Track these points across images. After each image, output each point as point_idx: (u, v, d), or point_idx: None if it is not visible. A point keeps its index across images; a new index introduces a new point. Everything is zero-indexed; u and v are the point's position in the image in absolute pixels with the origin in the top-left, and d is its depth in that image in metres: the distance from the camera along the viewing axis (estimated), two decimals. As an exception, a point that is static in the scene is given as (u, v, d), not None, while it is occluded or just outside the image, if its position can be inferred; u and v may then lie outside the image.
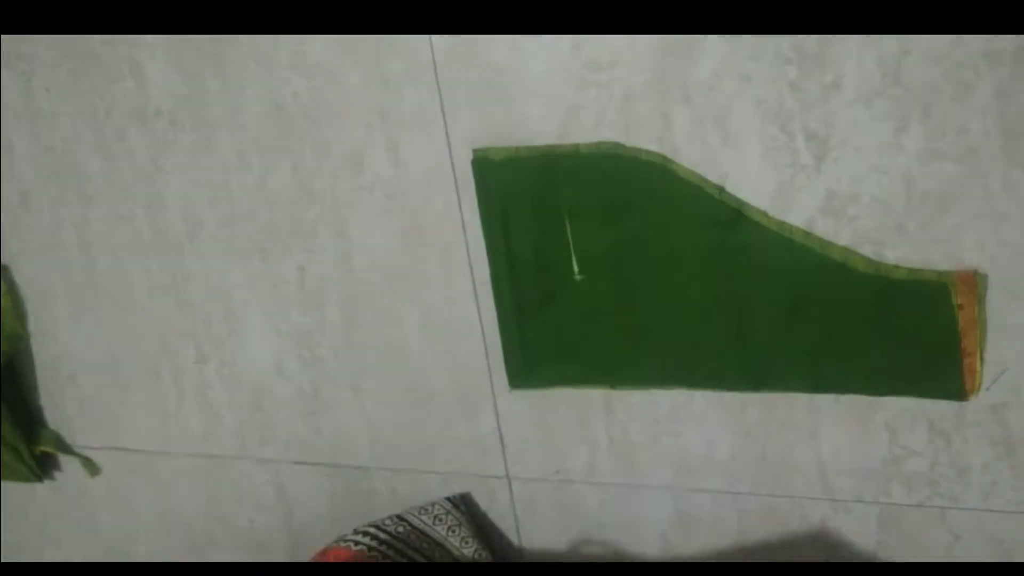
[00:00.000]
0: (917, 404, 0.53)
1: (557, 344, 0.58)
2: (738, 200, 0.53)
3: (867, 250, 0.52)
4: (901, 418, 0.54)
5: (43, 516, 0.87)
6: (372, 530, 0.62)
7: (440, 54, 0.58)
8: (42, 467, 0.84)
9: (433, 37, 0.58)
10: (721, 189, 0.53)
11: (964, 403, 0.52)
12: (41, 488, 0.86)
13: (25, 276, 0.78)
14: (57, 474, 0.85)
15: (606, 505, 0.62)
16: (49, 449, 0.82)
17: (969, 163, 0.49)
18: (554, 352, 0.59)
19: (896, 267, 0.51)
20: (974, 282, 0.50)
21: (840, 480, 0.56)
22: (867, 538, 0.57)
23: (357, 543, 0.61)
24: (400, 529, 0.62)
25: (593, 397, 0.61)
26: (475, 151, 0.58)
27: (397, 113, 0.61)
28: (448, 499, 0.65)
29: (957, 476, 0.53)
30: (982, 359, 0.51)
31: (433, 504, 0.64)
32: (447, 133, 0.60)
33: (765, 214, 0.53)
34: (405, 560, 0.61)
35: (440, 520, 0.63)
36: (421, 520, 0.63)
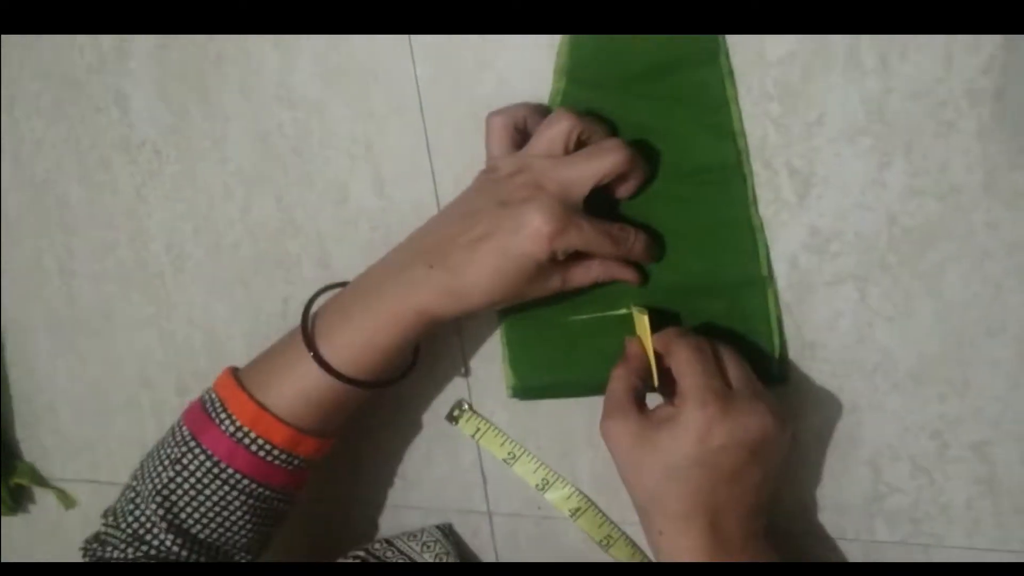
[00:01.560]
0: (899, 440, 0.53)
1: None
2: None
3: (850, 286, 0.52)
4: (883, 455, 0.53)
5: (15, 550, 0.86)
6: (363, 553, 0.61)
7: (425, 86, 0.58)
8: (16, 499, 0.83)
9: (418, 68, 0.58)
10: None
11: (946, 443, 0.52)
12: (14, 521, 0.85)
13: (4, 306, 0.78)
14: (31, 507, 0.84)
15: (588, 542, 0.61)
16: (24, 482, 0.81)
17: (952, 201, 0.49)
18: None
19: None
20: None
21: (823, 516, 0.55)
22: (852, 576, 0.56)
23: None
24: (389, 554, 0.62)
25: (576, 431, 0.61)
26: None
27: (382, 145, 0.61)
28: (438, 527, 0.64)
29: (940, 513, 0.53)
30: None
31: (423, 531, 0.64)
32: (432, 166, 0.60)
33: None
34: None
35: (428, 548, 0.63)
36: (409, 546, 0.63)
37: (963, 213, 0.49)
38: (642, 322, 0.51)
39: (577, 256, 0.52)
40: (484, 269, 0.50)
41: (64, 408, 0.79)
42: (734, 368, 0.49)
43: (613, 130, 0.54)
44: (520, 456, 0.62)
